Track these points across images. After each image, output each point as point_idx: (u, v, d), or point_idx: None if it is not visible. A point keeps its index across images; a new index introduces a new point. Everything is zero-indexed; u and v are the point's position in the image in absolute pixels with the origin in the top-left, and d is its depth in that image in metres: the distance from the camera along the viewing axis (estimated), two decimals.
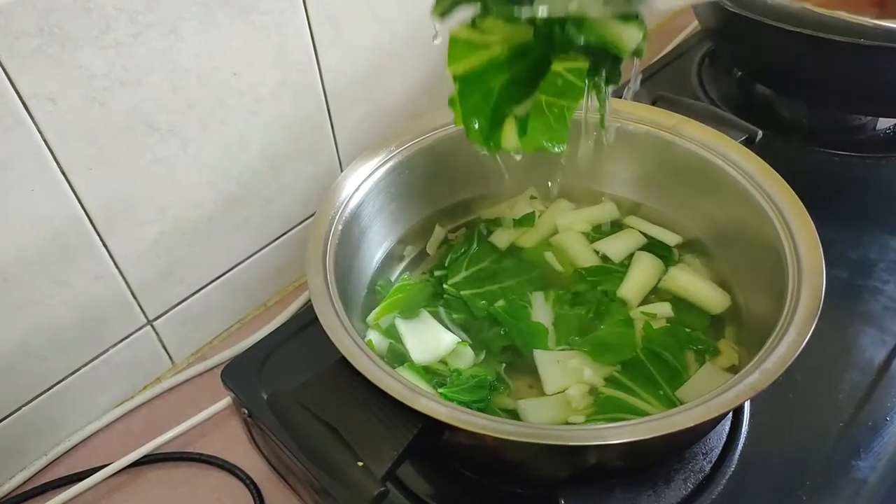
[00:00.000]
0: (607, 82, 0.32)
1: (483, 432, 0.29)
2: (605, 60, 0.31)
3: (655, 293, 0.46)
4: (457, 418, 0.30)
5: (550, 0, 0.28)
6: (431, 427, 0.30)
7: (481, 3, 0.29)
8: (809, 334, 0.33)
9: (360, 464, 0.29)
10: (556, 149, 0.34)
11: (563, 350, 0.42)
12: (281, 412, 0.31)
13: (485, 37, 0.30)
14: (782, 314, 0.34)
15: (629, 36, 0.29)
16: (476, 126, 0.32)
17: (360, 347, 0.33)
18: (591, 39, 0.29)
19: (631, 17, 0.29)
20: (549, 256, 0.48)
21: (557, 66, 0.31)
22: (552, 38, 0.29)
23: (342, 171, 0.62)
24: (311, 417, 0.30)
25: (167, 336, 0.57)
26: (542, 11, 0.28)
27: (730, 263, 0.46)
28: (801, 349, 0.32)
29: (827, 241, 0.53)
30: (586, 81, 0.32)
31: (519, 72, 0.31)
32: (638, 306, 0.45)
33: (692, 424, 0.29)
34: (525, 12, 0.28)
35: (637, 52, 0.30)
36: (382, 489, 0.28)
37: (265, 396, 0.45)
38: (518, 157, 0.35)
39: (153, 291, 0.54)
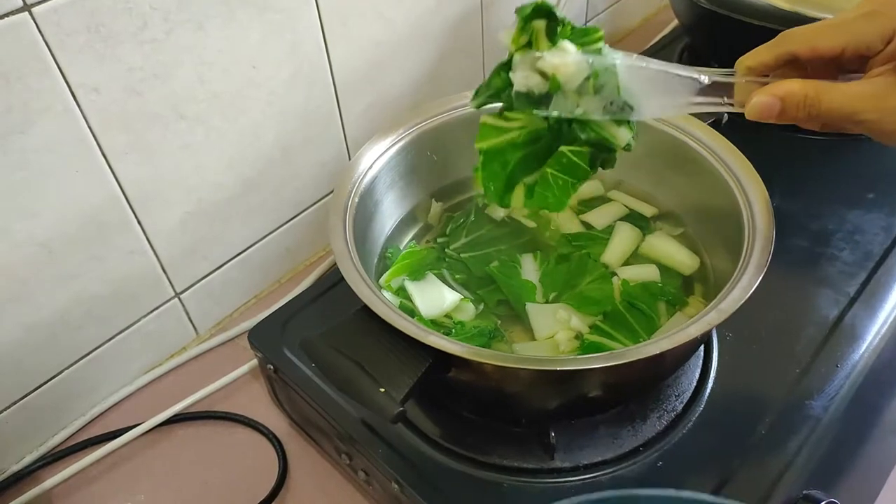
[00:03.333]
0: (603, 166, 0.40)
1: (483, 361, 0.35)
2: (601, 150, 0.38)
3: (634, 258, 0.52)
4: (461, 351, 0.35)
5: (561, 105, 0.35)
6: (440, 360, 0.36)
7: (507, 101, 0.37)
8: (759, 279, 0.38)
9: (382, 390, 0.34)
10: (556, 210, 0.42)
11: (550, 303, 0.48)
12: (312, 351, 0.36)
13: (508, 124, 0.38)
14: (738, 265, 0.40)
15: (622, 136, 0.37)
16: (492, 188, 0.40)
17: (379, 297, 0.38)
18: (590, 136, 0.37)
19: (623, 122, 0.36)
20: (528, 222, 0.54)
21: (564, 149, 0.39)
22: (561, 131, 0.37)
23: (349, 156, 0.68)
24: (338, 354, 0.36)
25: (192, 308, 0.62)
26: (553, 112, 0.36)
27: (698, 230, 0.52)
28: (752, 291, 0.37)
29: (790, 213, 0.59)
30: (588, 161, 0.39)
31: (532, 151, 0.39)
32: (621, 268, 0.50)
33: (660, 352, 0.35)
34: (541, 112, 0.36)
35: (627, 148, 0.38)
36: (401, 409, 0.34)
37: (289, 353, 0.50)
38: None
39: (179, 267, 0.59)
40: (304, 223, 0.67)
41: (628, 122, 0.37)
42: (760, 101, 0.33)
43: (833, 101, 0.33)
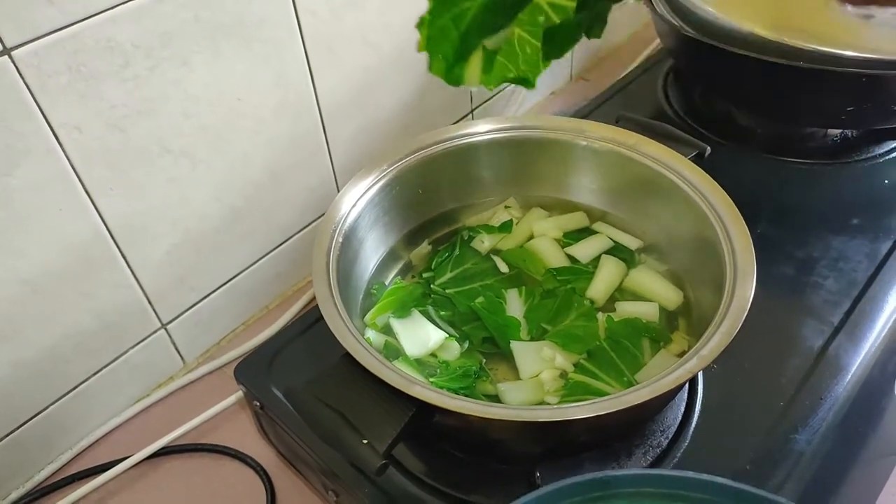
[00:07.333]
0: (588, 33, 0.30)
1: (466, 412, 0.35)
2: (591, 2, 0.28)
3: (619, 292, 0.52)
4: (444, 402, 0.35)
5: None
6: (424, 410, 0.36)
7: None
8: (740, 325, 0.38)
9: (365, 442, 0.34)
10: (523, 85, 0.30)
11: (535, 341, 0.48)
12: (296, 401, 0.36)
13: None
14: (720, 307, 0.40)
15: None
16: (440, 54, 0.29)
17: (362, 345, 0.38)
18: None
19: None
20: (500, 263, 0.53)
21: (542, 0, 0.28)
22: None
23: (337, 182, 0.68)
24: (321, 405, 0.36)
25: (179, 338, 0.62)
26: None
27: (682, 264, 0.52)
28: (732, 338, 0.38)
29: (775, 240, 0.60)
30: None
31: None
32: (620, 304, 0.51)
33: (640, 402, 0.35)
34: None
35: None
36: (384, 462, 0.34)
37: (275, 389, 0.50)
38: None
39: (166, 298, 0.59)
40: (292, 248, 0.67)
41: None
42: None
43: None
